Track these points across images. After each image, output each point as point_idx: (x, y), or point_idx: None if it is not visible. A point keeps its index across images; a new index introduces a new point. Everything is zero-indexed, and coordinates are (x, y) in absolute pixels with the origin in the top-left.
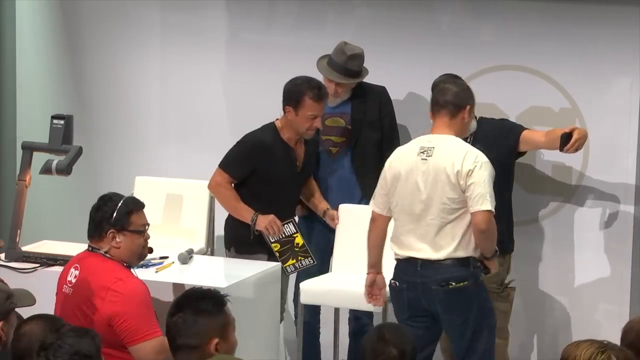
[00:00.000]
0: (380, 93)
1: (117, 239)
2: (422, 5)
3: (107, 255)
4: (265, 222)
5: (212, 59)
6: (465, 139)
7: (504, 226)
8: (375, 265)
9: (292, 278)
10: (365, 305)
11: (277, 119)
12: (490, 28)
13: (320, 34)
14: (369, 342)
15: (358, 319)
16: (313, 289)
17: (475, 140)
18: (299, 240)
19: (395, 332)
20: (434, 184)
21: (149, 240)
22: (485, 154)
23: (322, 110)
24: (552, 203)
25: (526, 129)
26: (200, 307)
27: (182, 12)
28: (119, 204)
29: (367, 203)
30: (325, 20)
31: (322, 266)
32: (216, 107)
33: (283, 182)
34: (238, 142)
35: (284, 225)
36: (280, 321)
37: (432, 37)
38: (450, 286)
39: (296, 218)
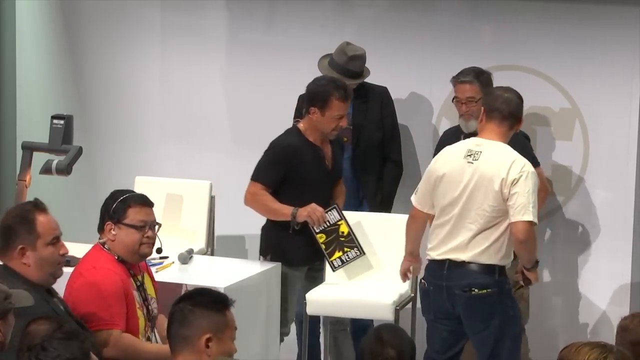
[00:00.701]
0: (382, 93)
1: (113, 232)
2: (423, 5)
3: (104, 247)
4: (306, 211)
5: (212, 58)
6: (474, 135)
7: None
8: (412, 252)
9: None
10: (372, 315)
11: (299, 122)
12: (491, 28)
13: (321, 34)
14: (368, 343)
15: (358, 319)
16: (319, 300)
17: None
18: (344, 228)
19: (394, 334)
20: (476, 189)
21: (156, 241)
22: None
23: (347, 109)
24: (552, 203)
25: (537, 165)
26: (200, 300)
27: (182, 12)
28: (121, 197)
29: (368, 202)
30: (325, 20)
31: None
32: (216, 107)
33: (316, 183)
34: (266, 151)
35: (327, 212)
36: (284, 335)
37: (433, 38)
38: (473, 292)
39: (334, 210)
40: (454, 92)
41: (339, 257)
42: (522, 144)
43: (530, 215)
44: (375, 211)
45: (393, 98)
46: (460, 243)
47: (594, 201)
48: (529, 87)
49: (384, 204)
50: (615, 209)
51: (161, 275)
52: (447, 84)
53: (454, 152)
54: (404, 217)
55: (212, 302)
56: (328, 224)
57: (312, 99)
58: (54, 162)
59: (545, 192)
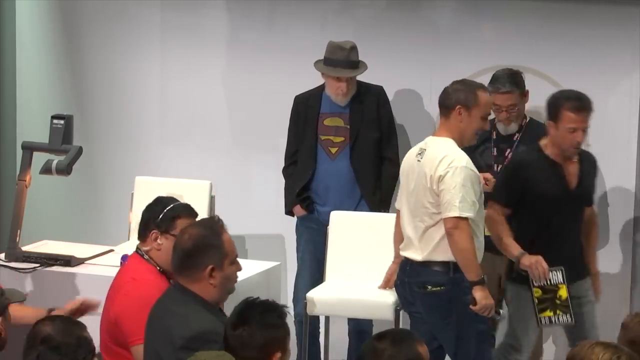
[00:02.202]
0: (379, 93)
1: (159, 241)
2: (422, 5)
3: (145, 256)
4: (531, 260)
5: (212, 59)
6: (510, 137)
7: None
8: (397, 256)
9: (291, 278)
10: (372, 315)
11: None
12: (490, 28)
13: (321, 34)
14: (370, 342)
15: (358, 320)
16: (319, 300)
17: (522, 141)
18: (563, 292)
19: (399, 334)
20: (419, 187)
21: None
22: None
23: (583, 122)
24: None
25: None
26: (267, 320)
27: (182, 12)
28: (169, 206)
29: (367, 201)
30: (325, 21)
31: (318, 269)
32: (216, 107)
33: (554, 201)
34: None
35: (551, 271)
36: None
37: (432, 38)
38: (427, 289)
39: (559, 272)
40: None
41: (549, 317)
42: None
43: (455, 211)
44: (373, 210)
45: (392, 98)
46: (413, 240)
47: (594, 201)
48: (529, 87)
49: (382, 203)
50: (615, 209)
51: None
52: (447, 84)
53: (412, 151)
54: None
55: (277, 318)
56: (548, 282)
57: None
58: (54, 162)
59: None
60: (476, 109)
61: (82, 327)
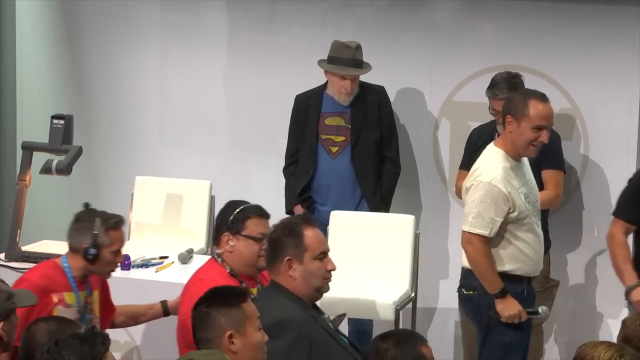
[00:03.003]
0: (380, 92)
1: (231, 243)
2: (423, 5)
3: (218, 259)
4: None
5: (212, 59)
6: None
7: None
8: None
9: None
10: (372, 315)
11: None
12: (490, 28)
13: (320, 34)
14: (374, 342)
15: (358, 321)
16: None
17: None
18: None
19: (403, 335)
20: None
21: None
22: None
23: None
24: None
25: (560, 169)
26: (214, 299)
27: (182, 12)
28: (239, 208)
29: (367, 202)
30: (325, 20)
31: None
32: (216, 107)
33: None
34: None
35: None
36: None
37: (432, 38)
38: (463, 293)
39: None
40: (489, 103)
41: None
42: (557, 145)
43: (466, 225)
44: (374, 210)
45: (392, 98)
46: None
47: (594, 201)
48: (529, 87)
49: (382, 203)
50: None
51: (161, 275)
52: (447, 84)
53: None
54: (403, 217)
55: (225, 298)
56: None
57: None
58: (54, 162)
59: (554, 199)
60: (526, 120)
61: (77, 325)
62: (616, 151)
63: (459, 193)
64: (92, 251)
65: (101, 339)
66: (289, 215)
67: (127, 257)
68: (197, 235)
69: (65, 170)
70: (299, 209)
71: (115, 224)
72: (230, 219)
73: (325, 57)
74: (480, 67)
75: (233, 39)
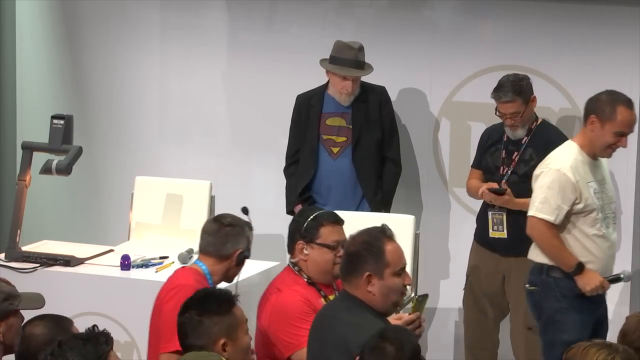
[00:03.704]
0: (381, 93)
1: (305, 251)
2: (423, 5)
3: (295, 268)
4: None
5: (212, 59)
6: (519, 141)
7: None
8: None
9: None
10: None
11: None
12: (490, 28)
13: (320, 34)
14: (371, 340)
15: None
16: None
17: (529, 145)
18: None
19: (397, 333)
20: None
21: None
22: (535, 162)
23: None
24: None
25: None
26: (205, 307)
27: (182, 12)
28: (312, 216)
29: (368, 202)
30: (325, 21)
31: None
32: (216, 107)
33: None
34: None
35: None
36: None
37: (432, 38)
38: (526, 287)
39: None
40: (496, 105)
41: None
42: (556, 135)
43: (532, 210)
44: (375, 210)
45: (393, 98)
46: None
47: None
48: None
49: (383, 203)
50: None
51: (161, 275)
52: (447, 83)
53: None
54: (403, 217)
55: (218, 306)
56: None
57: None
58: (54, 162)
59: None
60: (610, 124)
61: (70, 322)
62: (616, 151)
63: (469, 192)
64: (247, 254)
65: (104, 338)
66: (287, 217)
67: (127, 257)
68: (197, 235)
69: (65, 170)
70: (299, 209)
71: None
72: (303, 227)
73: (326, 57)
74: (480, 67)
75: (233, 39)
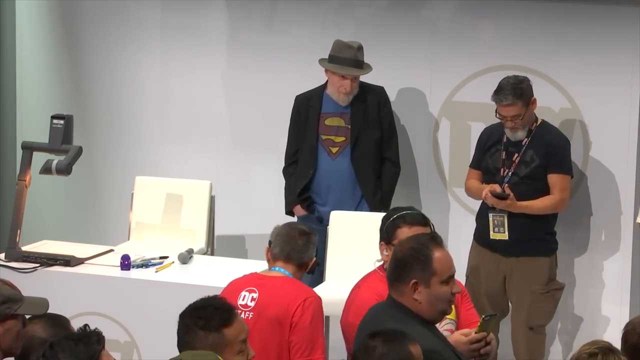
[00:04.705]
0: (380, 93)
1: (385, 252)
2: (422, 5)
3: (384, 266)
4: None
5: (212, 59)
6: (519, 142)
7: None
8: None
9: None
10: None
11: None
12: (490, 28)
13: (321, 34)
14: (362, 340)
15: None
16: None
17: (529, 147)
18: None
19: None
20: None
21: None
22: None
23: None
24: None
25: (567, 173)
26: (194, 319)
27: (182, 12)
28: (393, 217)
29: (367, 202)
30: (325, 21)
31: (317, 270)
32: (216, 107)
33: None
34: None
35: None
36: None
37: (432, 38)
38: None
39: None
40: (496, 107)
41: None
42: (557, 138)
43: None
44: (374, 210)
45: (393, 98)
46: None
47: (594, 201)
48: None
49: (382, 203)
50: (615, 208)
51: (161, 275)
52: (447, 84)
53: None
54: None
55: (206, 321)
56: None
57: None
58: (54, 162)
59: (558, 203)
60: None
61: (68, 322)
62: (616, 151)
63: (469, 192)
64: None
65: (96, 338)
66: (287, 218)
67: (127, 257)
68: (197, 235)
69: (65, 170)
70: (299, 209)
71: None
72: (384, 229)
73: (325, 57)
74: (480, 67)
75: (233, 39)
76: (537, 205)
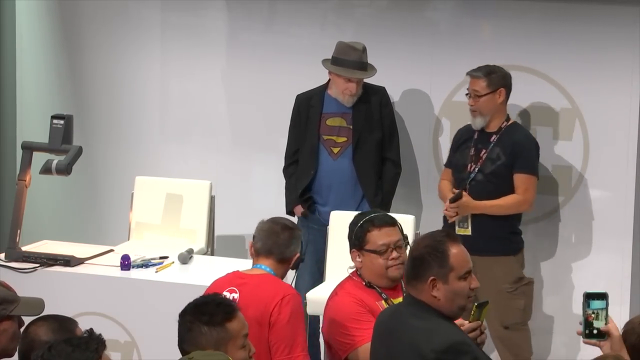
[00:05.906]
0: (381, 93)
1: (358, 259)
2: (422, 5)
3: (358, 272)
4: None
5: (212, 59)
6: (488, 138)
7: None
8: None
9: (291, 278)
10: None
11: None
12: (490, 28)
13: (320, 34)
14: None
15: None
16: (319, 300)
17: (497, 144)
18: None
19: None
20: None
21: None
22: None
23: None
24: (551, 203)
25: (532, 174)
26: (198, 315)
27: (182, 12)
28: (359, 223)
29: (368, 202)
30: (324, 21)
31: (318, 270)
32: (216, 107)
33: None
34: None
35: None
36: None
37: (432, 38)
38: None
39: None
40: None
41: None
42: (524, 138)
43: None
44: None
45: (393, 98)
46: None
47: (594, 201)
48: (529, 87)
49: (383, 204)
50: (615, 209)
51: (161, 275)
52: (447, 84)
53: None
54: (403, 217)
55: (209, 316)
56: None
57: None
58: (54, 162)
59: (521, 203)
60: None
61: (75, 323)
62: (616, 151)
63: (440, 193)
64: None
65: (95, 345)
66: (289, 215)
67: (127, 257)
68: (197, 235)
69: (65, 170)
70: (299, 209)
71: None
72: (353, 236)
73: (326, 57)
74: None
75: (233, 39)
76: (499, 204)
